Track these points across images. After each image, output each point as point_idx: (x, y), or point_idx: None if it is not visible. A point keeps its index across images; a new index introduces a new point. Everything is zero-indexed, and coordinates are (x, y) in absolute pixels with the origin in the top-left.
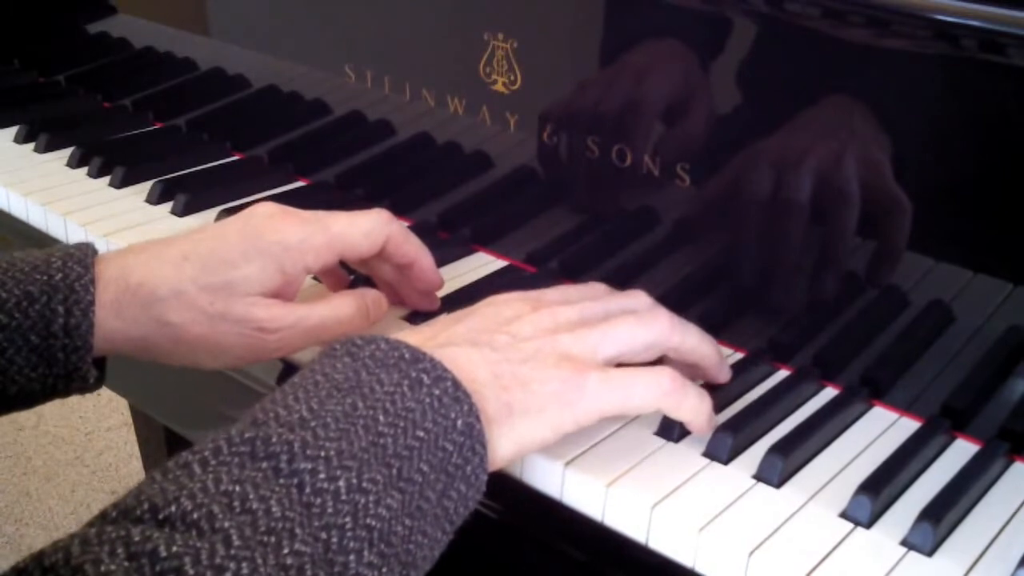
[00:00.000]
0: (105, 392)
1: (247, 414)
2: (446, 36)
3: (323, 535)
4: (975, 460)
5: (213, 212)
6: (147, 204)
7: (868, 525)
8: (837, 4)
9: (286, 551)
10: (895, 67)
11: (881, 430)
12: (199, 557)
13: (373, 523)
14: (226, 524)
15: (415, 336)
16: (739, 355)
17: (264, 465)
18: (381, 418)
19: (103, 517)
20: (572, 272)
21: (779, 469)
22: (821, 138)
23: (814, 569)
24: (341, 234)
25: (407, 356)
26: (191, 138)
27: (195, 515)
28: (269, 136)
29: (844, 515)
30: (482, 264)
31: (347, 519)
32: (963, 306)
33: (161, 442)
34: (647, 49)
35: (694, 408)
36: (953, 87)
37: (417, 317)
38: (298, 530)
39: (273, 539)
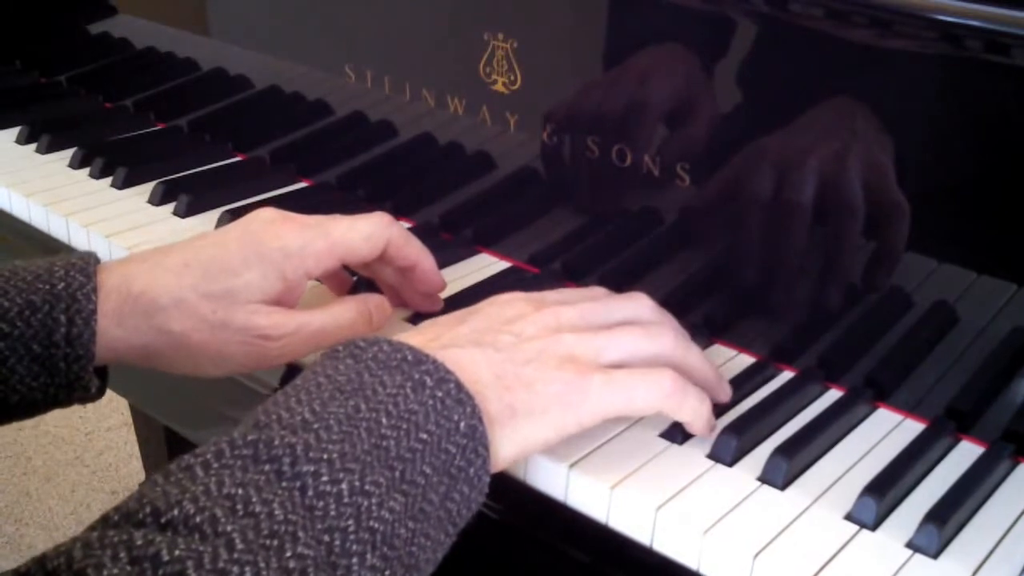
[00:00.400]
0: (105, 391)
1: (249, 416)
2: (446, 36)
3: (326, 538)
4: (980, 462)
5: (215, 213)
6: (149, 205)
7: (873, 527)
8: (838, 4)
9: (289, 554)
10: (896, 68)
11: (885, 432)
12: (202, 561)
13: (376, 526)
14: (229, 528)
15: (418, 337)
16: (743, 356)
17: (267, 468)
18: (384, 420)
19: (105, 521)
20: (575, 273)
21: (784, 471)
22: (823, 139)
23: (819, 572)
24: (342, 239)
25: (410, 358)
26: (193, 139)
27: (198, 519)
28: (271, 137)
29: (849, 517)
30: (485, 265)
31: (350, 522)
32: (967, 307)
33: (161, 442)
34: (647, 49)
35: (694, 409)
36: (956, 87)
37: (420, 319)
38: (301, 533)
39: (276, 542)
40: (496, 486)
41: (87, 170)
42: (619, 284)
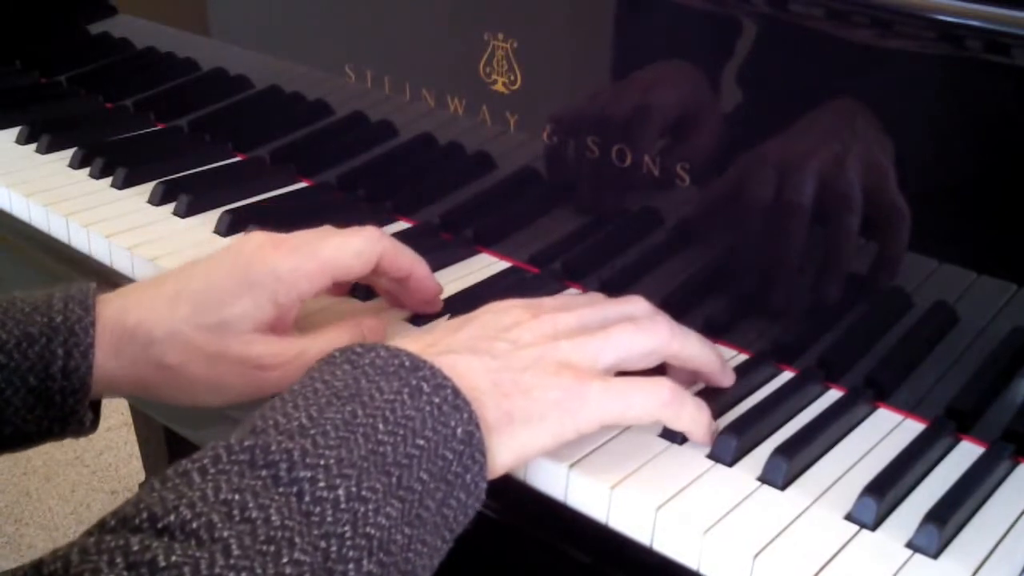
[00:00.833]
0: (99, 426)
1: (246, 421)
2: (446, 36)
3: (322, 544)
4: (980, 462)
5: (215, 213)
6: (149, 205)
7: (873, 527)
8: (837, 4)
9: (285, 560)
10: (896, 68)
11: (886, 432)
12: (198, 567)
13: (372, 532)
14: (225, 533)
15: (415, 343)
16: (743, 356)
17: (263, 473)
18: (381, 426)
19: (102, 526)
20: (575, 273)
21: (784, 471)
22: (823, 139)
23: (819, 572)
24: (332, 258)
25: (407, 364)
26: (193, 139)
27: (194, 524)
28: (271, 137)
29: (849, 517)
30: (485, 265)
31: (346, 528)
32: (967, 307)
33: (161, 442)
34: (647, 49)
35: (692, 418)
36: (956, 87)
37: (419, 318)
38: (297, 539)
39: (272, 548)
40: (496, 486)
41: (87, 170)
42: (619, 284)
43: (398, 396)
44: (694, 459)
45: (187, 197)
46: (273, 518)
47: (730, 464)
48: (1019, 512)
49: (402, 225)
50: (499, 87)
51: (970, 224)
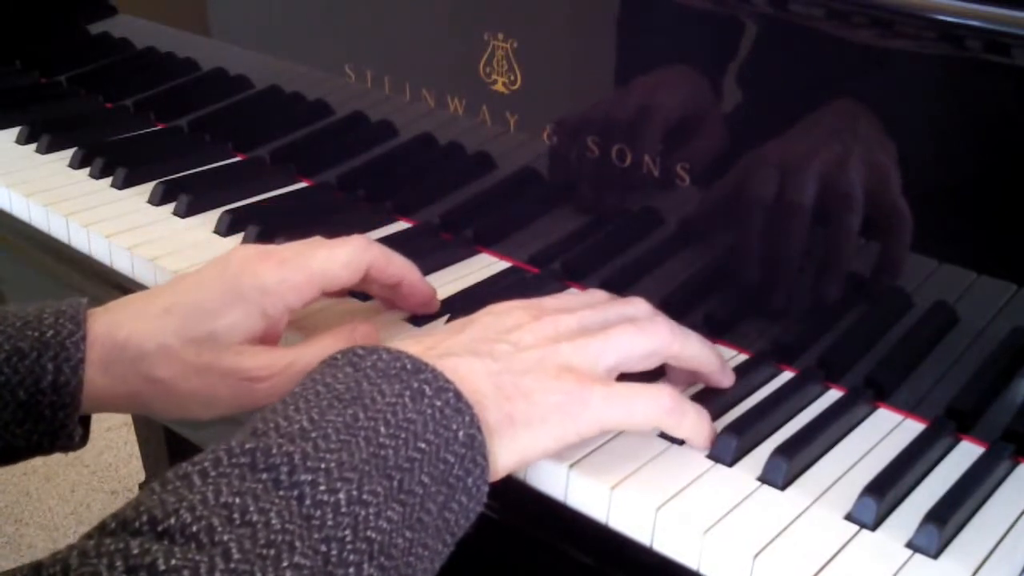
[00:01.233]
0: (88, 441)
1: (247, 424)
2: (446, 36)
3: (323, 548)
4: (980, 462)
5: (215, 213)
6: (149, 205)
7: (873, 527)
8: (837, 4)
9: (285, 564)
10: (896, 68)
11: (886, 432)
12: (198, 570)
13: (373, 536)
14: (225, 537)
15: (416, 346)
16: (743, 357)
17: (264, 477)
18: (382, 429)
19: (102, 529)
20: (575, 273)
21: (784, 471)
22: (823, 139)
23: (819, 572)
24: (320, 270)
25: (409, 366)
26: (193, 139)
27: (194, 528)
28: (271, 137)
29: (849, 517)
30: (485, 265)
31: (347, 532)
32: (967, 308)
33: (161, 442)
34: (648, 49)
35: (693, 427)
36: (956, 87)
37: (419, 319)
38: (298, 543)
39: (273, 552)
40: (496, 486)
41: (87, 170)
42: (619, 284)
43: (399, 399)
44: (694, 459)
45: (187, 197)
46: (273, 522)
47: (730, 464)
48: (1019, 512)
49: (402, 225)
50: (499, 87)
51: (970, 224)
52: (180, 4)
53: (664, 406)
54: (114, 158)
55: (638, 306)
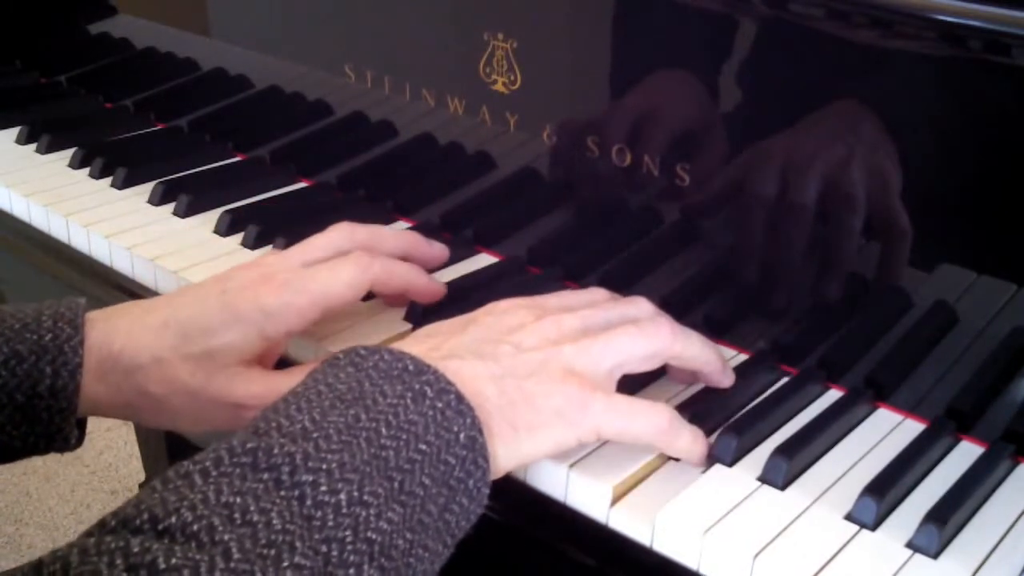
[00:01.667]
0: (83, 442)
1: (249, 423)
2: (446, 36)
3: (323, 548)
4: (980, 462)
5: (215, 213)
6: (149, 205)
7: (873, 527)
8: (837, 4)
9: (286, 564)
10: (896, 68)
11: (886, 432)
12: (198, 570)
13: (374, 537)
14: (226, 536)
15: (418, 346)
16: (743, 356)
17: (265, 477)
18: (383, 431)
19: (102, 526)
20: (575, 273)
21: (784, 471)
22: (823, 140)
23: (819, 572)
24: (322, 292)
25: (411, 368)
26: (193, 139)
27: (195, 527)
28: (271, 137)
29: (849, 517)
30: (485, 265)
31: (347, 532)
32: (967, 308)
33: (161, 442)
34: (648, 49)
35: (686, 449)
36: (956, 88)
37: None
38: (298, 543)
39: (273, 552)
40: (496, 486)
41: (87, 170)
42: (619, 284)
43: (401, 400)
44: None
45: (187, 197)
46: (274, 522)
47: (730, 464)
48: (1019, 512)
49: (402, 225)
50: (499, 87)
51: (970, 224)
52: (180, 4)
53: (660, 427)
54: (114, 158)
55: (640, 306)
